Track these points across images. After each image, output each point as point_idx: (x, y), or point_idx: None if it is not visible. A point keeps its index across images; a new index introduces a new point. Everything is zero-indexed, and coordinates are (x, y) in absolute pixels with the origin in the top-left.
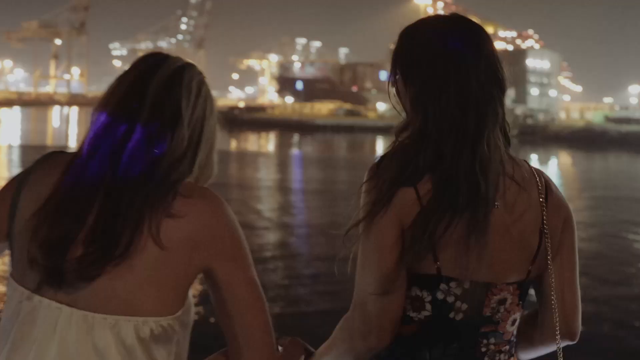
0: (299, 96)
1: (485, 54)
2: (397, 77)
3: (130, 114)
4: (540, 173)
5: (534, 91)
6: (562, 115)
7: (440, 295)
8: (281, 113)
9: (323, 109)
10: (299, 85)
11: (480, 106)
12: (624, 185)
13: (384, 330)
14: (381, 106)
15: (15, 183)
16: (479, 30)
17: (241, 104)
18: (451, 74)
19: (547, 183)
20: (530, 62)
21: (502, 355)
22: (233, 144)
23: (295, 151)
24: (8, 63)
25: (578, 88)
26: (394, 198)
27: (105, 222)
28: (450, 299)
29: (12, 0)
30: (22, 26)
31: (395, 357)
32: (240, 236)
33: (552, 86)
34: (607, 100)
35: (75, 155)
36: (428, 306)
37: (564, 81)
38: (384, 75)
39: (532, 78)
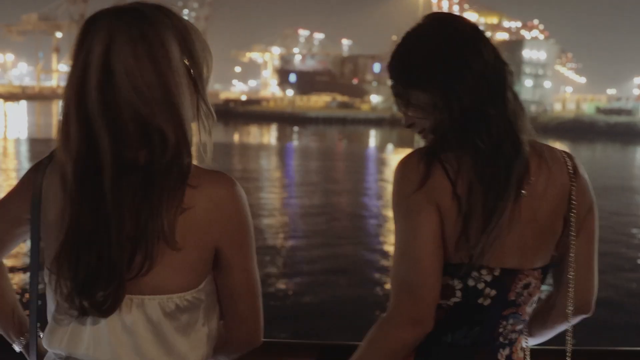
0: (295, 88)
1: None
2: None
3: None
4: (570, 157)
5: (527, 82)
6: (558, 106)
7: (471, 282)
8: (276, 106)
9: (319, 101)
10: (292, 78)
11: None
12: (609, 175)
13: (431, 315)
14: (375, 98)
15: (33, 174)
16: (476, 30)
17: (243, 97)
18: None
19: (575, 167)
20: (527, 53)
21: (514, 335)
22: (226, 137)
23: (288, 144)
24: (10, 57)
25: (582, 79)
26: (427, 184)
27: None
28: (481, 286)
29: None
30: (21, 19)
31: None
32: (249, 224)
33: (547, 77)
34: (611, 91)
35: None
36: (458, 293)
37: (567, 72)
38: (378, 67)
39: (526, 69)
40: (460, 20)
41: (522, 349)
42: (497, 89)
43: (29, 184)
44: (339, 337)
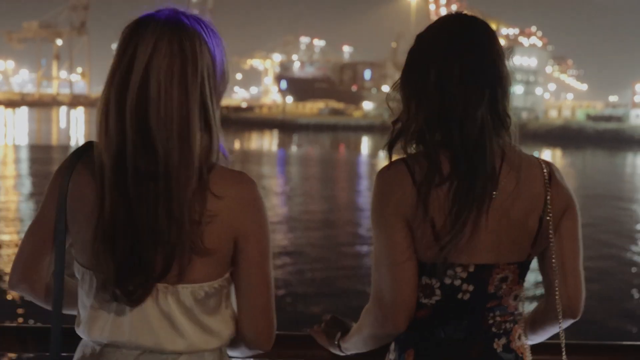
0: (294, 95)
1: (488, 51)
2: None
3: None
4: (548, 164)
5: (518, 89)
6: (554, 113)
7: (447, 281)
8: (270, 113)
9: (313, 108)
10: (283, 85)
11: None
12: (597, 182)
13: (400, 318)
14: (367, 105)
15: (61, 176)
16: (484, 27)
17: (243, 104)
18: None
19: (552, 173)
20: (517, 60)
21: (508, 325)
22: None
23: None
24: (10, 64)
25: (584, 86)
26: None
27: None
28: (457, 283)
29: (12, 0)
30: (22, 27)
31: (413, 338)
32: (267, 222)
33: (539, 84)
34: (613, 98)
35: None
36: (438, 291)
37: (568, 79)
38: (368, 74)
39: (517, 76)
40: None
41: (520, 338)
42: (475, 92)
43: (55, 187)
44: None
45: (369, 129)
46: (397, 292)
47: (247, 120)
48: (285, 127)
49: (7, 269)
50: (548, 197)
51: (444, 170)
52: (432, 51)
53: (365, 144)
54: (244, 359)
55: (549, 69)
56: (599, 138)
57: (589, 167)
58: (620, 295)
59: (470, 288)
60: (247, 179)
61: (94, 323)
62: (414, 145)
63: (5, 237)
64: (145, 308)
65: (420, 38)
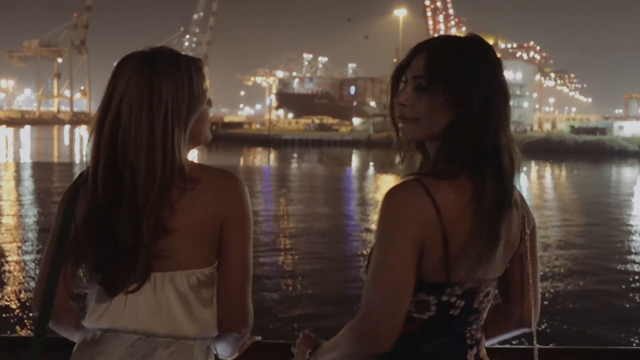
0: (286, 110)
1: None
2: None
3: None
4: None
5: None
6: (548, 126)
7: (445, 298)
8: (258, 129)
9: (300, 123)
10: (268, 101)
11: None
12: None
13: (390, 337)
14: (356, 121)
15: (65, 198)
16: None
17: (245, 120)
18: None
19: (520, 193)
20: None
21: (478, 335)
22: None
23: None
24: (11, 82)
25: (589, 99)
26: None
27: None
28: (453, 299)
29: (13, 19)
30: (23, 45)
31: (397, 353)
32: (249, 210)
33: (525, 97)
34: (618, 111)
35: None
36: (433, 308)
37: (571, 93)
38: (353, 90)
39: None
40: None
41: (484, 346)
42: (505, 115)
43: (60, 207)
44: None
45: (354, 143)
46: (392, 312)
47: (234, 137)
48: (271, 143)
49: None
50: (525, 215)
51: (469, 194)
52: (478, 75)
53: (352, 159)
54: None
55: (550, 83)
56: (579, 150)
57: (570, 179)
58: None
59: (462, 304)
60: (232, 173)
61: (94, 311)
62: (435, 163)
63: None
64: (142, 295)
65: (462, 58)
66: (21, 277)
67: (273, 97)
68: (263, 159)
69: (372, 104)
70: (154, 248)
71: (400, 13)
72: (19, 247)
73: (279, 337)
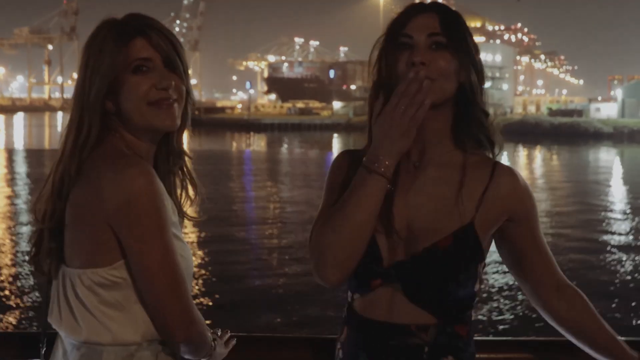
0: (282, 95)
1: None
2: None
3: None
4: None
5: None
6: (532, 109)
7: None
8: (240, 114)
9: (284, 107)
10: (247, 85)
11: None
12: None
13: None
14: (337, 104)
15: None
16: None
17: (239, 106)
18: None
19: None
20: (482, 57)
21: None
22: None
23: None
24: (2, 70)
25: (581, 82)
26: None
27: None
28: None
29: (3, 6)
30: (13, 33)
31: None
32: (143, 207)
33: (505, 79)
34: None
35: None
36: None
37: (562, 75)
38: (332, 73)
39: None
40: None
41: None
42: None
43: None
44: None
45: (334, 127)
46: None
47: (216, 121)
48: (250, 127)
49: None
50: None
51: None
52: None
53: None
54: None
55: (539, 65)
56: (554, 132)
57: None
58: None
59: None
60: (123, 163)
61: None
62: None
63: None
64: (56, 291)
65: (465, 24)
66: (15, 269)
67: (249, 83)
68: (235, 144)
69: (352, 87)
70: (59, 240)
71: None
72: (12, 235)
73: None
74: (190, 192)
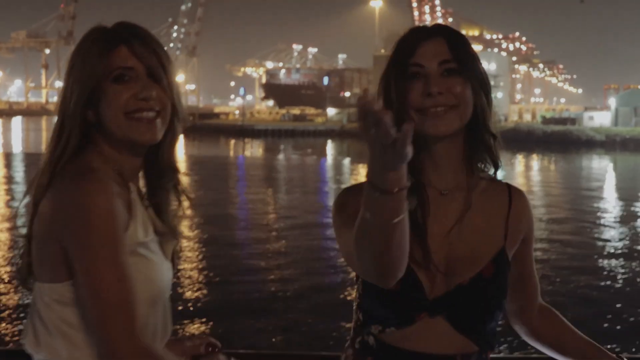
0: (280, 102)
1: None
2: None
3: None
4: None
5: None
6: (528, 117)
7: None
8: (235, 119)
9: (280, 113)
10: (241, 91)
11: None
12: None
13: None
14: (331, 111)
15: None
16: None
17: (236, 112)
18: None
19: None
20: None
21: None
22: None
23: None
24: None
25: (579, 90)
26: None
27: None
28: None
29: (1, 10)
30: (10, 36)
31: None
32: (93, 223)
33: (500, 88)
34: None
35: None
36: None
37: (560, 84)
38: (326, 80)
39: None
40: None
41: None
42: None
43: None
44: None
45: (327, 133)
46: None
47: (211, 127)
48: (244, 133)
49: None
50: None
51: None
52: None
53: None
54: None
55: (537, 74)
56: (547, 140)
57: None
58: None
59: None
60: (74, 175)
61: None
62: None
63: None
64: (32, 305)
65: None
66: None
67: (243, 89)
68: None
69: (347, 94)
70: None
71: (376, 4)
72: (10, 238)
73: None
74: (186, 209)
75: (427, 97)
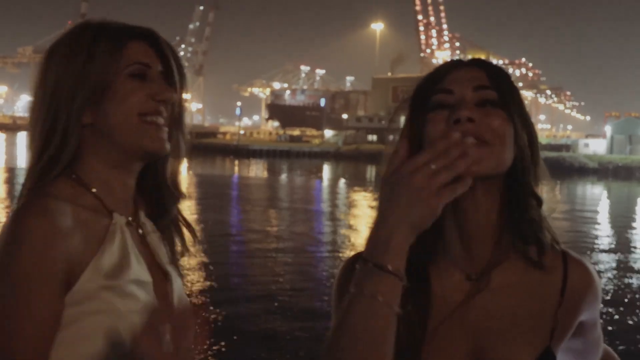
0: (284, 123)
1: None
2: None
3: None
4: None
5: None
6: None
7: None
8: (232, 139)
9: (274, 134)
10: (237, 111)
11: None
12: None
13: None
14: (328, 133)
15: None
16: None
17: (241, 132)
18: None
19: None
20: None
21: None
22: None
23: None
24: (3, 88)
25: (587, 118)
26: None
27: None
28: None
29: (8, 26)
30: (17, 52)
31: None
32: (12, 253)
33: None
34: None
35: None
36: None
37: (567, 111)
38: (323, 102)
39: None
40: None
41: None
42: None
43: None
44: None
45: (322, 155)
46: None
47: (206, 146)
48: (239, 153)
49: None
50: None
51: None
52: None
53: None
54: None
55: (543, 100)
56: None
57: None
58: None
59: None
60: (30, 208)
61: None
62: None
63: None
64: None
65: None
66: None
67: (239, 109)
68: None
69: (344, 116)
70: None
71: (378, 27)
72: None
73: None
74: (190, 243)
75: (453, 125)
